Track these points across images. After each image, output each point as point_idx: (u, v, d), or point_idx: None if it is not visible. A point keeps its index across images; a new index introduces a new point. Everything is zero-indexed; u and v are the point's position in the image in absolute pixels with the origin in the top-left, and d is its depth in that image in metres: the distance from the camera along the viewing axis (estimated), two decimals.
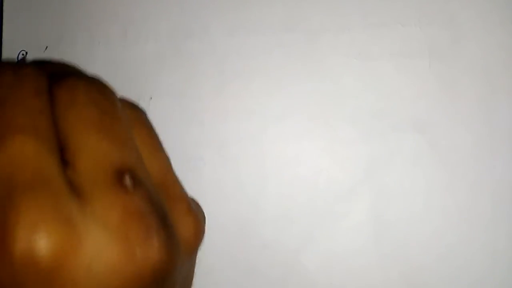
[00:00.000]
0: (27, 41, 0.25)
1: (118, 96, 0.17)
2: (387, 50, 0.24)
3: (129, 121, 0.17)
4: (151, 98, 0.24)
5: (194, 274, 0.18)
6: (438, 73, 0.24)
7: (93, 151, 0.15)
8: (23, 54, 0.25)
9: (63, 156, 0.15)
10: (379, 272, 0.23)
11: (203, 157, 0.23)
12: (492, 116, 0.23)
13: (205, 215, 0.18)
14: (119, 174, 0.15)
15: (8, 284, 0.13)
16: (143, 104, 0.24)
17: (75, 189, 0.15)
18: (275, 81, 0.24)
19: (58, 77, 0.17)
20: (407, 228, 0.23)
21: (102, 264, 0.13)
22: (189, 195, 0.18)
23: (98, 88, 0.17)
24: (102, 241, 0.13)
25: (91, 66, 0.22)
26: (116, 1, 0.25)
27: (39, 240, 0.13)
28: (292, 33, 0.24)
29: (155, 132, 0.19)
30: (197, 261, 0.16)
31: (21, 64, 0.16)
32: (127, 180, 0.15)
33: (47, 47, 0.25)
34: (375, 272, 0.23)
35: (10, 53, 0.25)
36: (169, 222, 0.15)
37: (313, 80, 0.24)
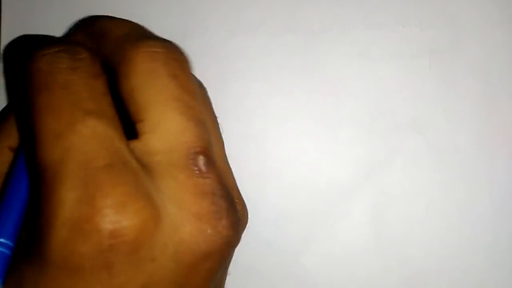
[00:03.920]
0: None
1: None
2: (387, 50, 0.24)
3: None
4: None
5: None
6: (439, 73, 0.24)
7: (171, 128, 0.15)
8: None
9: (137, 128, 0.15)
10: (380, 272, 0.23)
11: None
12: (493, 116, 0.23)
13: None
14: (193, 155, 0.15)
15: (94, 260, 0.13)
16: None
17: (146, 167, 0.14)
18: (275, 81, 0.24)
19: (133, 38, 0.16)
20: (407, 228, 0.23)
21: (176, 241, 0.14)
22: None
23: (177, 56, 0.16)
24: (176, 219, 0.14)
25: None
26: (116, 2, 0.25)
27: (126, 219, 0.13)
28: (292, 34, 0.24)
29: (215, 115, 0.19)
30: None
31: (74, 46, 0.15)
32: (201, 162, 0.15)
33: None
34: (375, 273, 0.23)
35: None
36: (236, 206, 0.15)
37: (314, 81, 0.24)
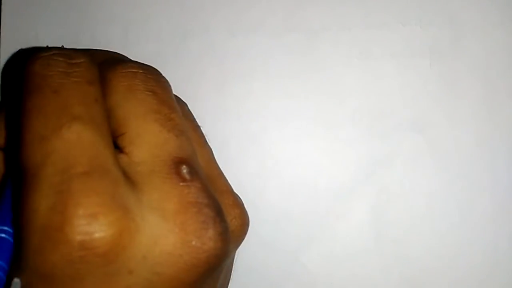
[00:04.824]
0: (25, 40, 0.25)
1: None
2: (388, 50, 0.24)
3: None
4: None
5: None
6: (439, 72, 0.24)
7: (152, 139, 0.15)
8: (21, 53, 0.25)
9: (119, 143, 0.15)
10: (380, 272, 0.23)
11: None
12: (493, 116, 0.23)
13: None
14: (176, 164, 0.15)
15: (64, 270, 0.13)
16: None
17: (130, 178, 0.14)
18: (275, 81, 0.24)
19: (111, 62, 0.16)
20: (407, 228, 0.23)
21: (157, 253, 0.13)
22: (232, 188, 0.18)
23: (155, 76, 0.17)
24: (158, 230, 0.14)
25: None
26: (117, 2, 0.25)
27: (98, 230, 0.13)
28: (292, 33, 0.24)
29: (198, 125, 0.19)
30: None
31: (72, 52, 0.15)
32: (185, 171, 0.14)
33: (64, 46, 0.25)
34: (375, 272, 0.23)
35: (8, 51, 0.25)
36: (223, 215, 0.15)
37: (314, 80, 0.24)
